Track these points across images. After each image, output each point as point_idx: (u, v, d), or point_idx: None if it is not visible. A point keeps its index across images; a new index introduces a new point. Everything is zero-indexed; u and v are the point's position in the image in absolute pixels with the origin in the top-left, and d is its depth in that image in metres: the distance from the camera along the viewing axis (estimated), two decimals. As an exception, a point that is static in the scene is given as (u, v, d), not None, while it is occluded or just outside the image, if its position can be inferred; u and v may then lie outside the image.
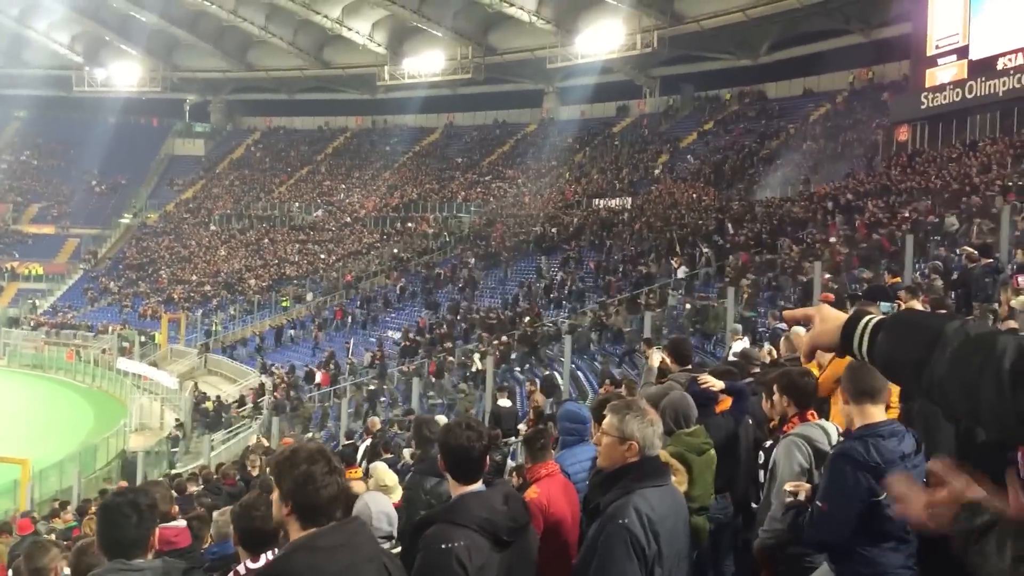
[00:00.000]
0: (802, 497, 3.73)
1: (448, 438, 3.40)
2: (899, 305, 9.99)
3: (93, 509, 12.93)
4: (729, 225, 29.19)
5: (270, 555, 3.42)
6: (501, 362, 23.78)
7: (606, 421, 3.35)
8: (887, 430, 3.53)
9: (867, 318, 1.69)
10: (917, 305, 8.39)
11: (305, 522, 2.63)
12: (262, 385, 32.67)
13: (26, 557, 5.22)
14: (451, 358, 27.04)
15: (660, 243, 30.66)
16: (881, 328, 1.65)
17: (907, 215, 21.88)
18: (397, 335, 33.43)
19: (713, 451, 4.35)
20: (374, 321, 37.61)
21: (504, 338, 26.56)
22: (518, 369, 23.63)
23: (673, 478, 3.81)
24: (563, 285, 31.59)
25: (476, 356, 24.90)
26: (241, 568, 3.38)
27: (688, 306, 21.59)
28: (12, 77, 60.84)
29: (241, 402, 32.09)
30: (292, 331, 39.64)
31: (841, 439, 3.81)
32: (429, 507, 5.01)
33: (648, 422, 3.33)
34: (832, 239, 22.58)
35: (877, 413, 3.59)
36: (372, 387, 27.33)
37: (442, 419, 9.83)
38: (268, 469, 2.83)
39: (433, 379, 25.85)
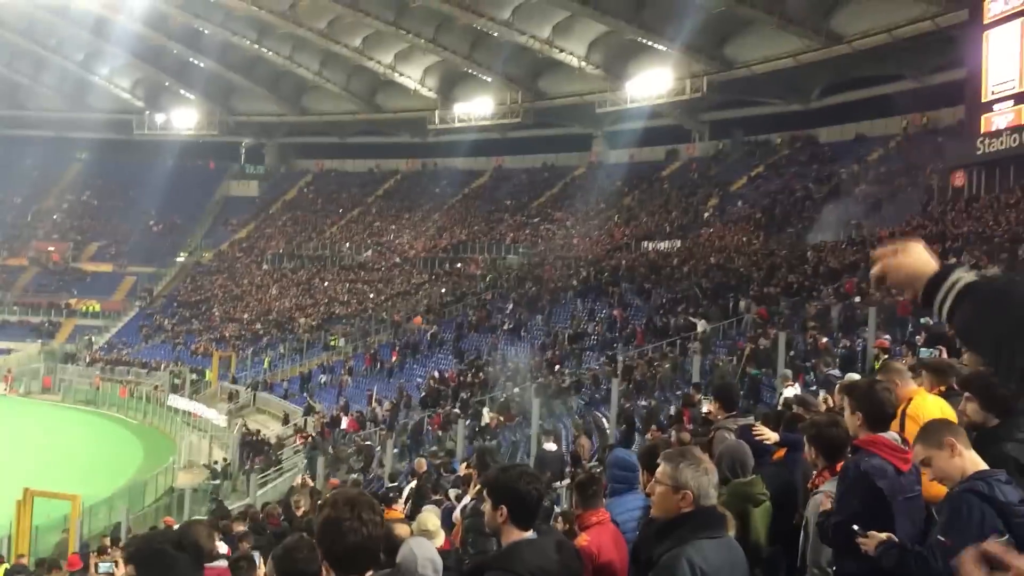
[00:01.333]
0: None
1: (508, 482, 3.35)
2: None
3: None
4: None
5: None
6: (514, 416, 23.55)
7: (660, 469, 3.27)
8: (1004, 476, 3.43)
9: (956, 277, 1.63)
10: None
11: (338, 570, 2.60)
12: (305, 424, 32.78)
13: None
14: (456, 411, 26.82)
15: (697, 291, 30.32)
16: (967, 295, 1.58)
17: (961, 262, 21.44)
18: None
19: (769, 503, 4.22)
20: (401, 368, 37.19)
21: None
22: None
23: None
24: (591, 334, 31.15)
25: (485, 410, 24.54)
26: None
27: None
28: (75, 121, 62.82)
29: (280, 444, 32.02)
30: (323, 376, 39.21)
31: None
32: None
33: (703, 470, 3.25)
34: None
35: (981, 462, 3.50)
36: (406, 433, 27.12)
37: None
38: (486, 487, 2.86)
39: (440, 432, 25.78)
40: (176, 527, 9.07)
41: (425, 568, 5.02)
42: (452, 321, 39.92)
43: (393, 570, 2.71)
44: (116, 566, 5.54)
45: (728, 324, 26.14)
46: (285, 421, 35.70)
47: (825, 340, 18.73)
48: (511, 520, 3.27)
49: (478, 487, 5.42)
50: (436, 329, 39.40)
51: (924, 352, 9.91)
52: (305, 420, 32.84)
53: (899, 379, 4.65)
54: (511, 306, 38.30)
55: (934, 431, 3.58)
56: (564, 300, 36.66)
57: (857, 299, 21.77)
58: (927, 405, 4.39)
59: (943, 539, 3.37)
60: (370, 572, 2.60)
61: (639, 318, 31.36)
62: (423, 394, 31.44)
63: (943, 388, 4.87)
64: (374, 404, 32.71)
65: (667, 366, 22.03)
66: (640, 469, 4.97)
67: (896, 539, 3.56)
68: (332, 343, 43.29)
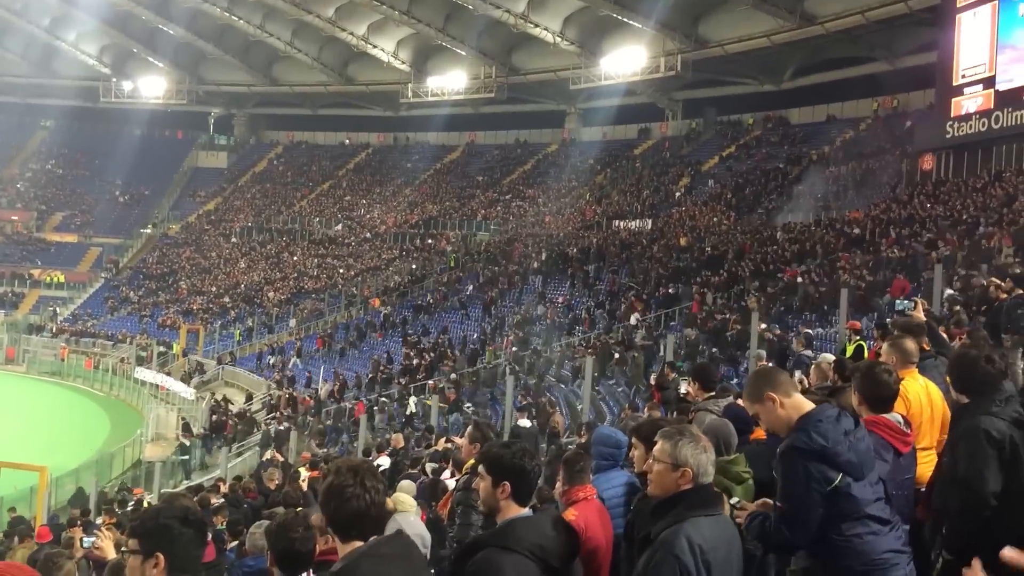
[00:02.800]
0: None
1: (515, 460, 3.35)
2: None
3: (111, 520, 12.96)
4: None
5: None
6: (456, 399, 23.73)
7: (658, 447, 3.28)
8: (824, 414, 3.49)
9: None
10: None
11: (342, 536, 2.70)
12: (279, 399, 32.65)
13: (42, 572, 5.19)
14: (383, 399, 26.91)
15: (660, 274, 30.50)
16: None
17: (930, 243, 21.73)
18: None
19: (751, 481, 4.27)
20: (350, 349, 37.15)
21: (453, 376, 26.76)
22: (469, 406, 23.12)
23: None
24: (542, 319, 31.30)
25: (412, 400, 24.55)
26: (278, 590, 3.35)
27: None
28: (41, 87, 61.61)
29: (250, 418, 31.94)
30: (271, 357, 38.95)
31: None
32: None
33: (702, 448, 3.27)
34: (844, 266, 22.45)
35: (804, 402, 3.57)
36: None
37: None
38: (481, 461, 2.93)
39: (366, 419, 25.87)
40: (161, 500, 9.03)
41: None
42: (411, 304, 39.76)
43: (395, 534, 2.77)
44: (100, 540, 5.50)
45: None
46: (248, 398, 35.56)
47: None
48: (512, 497, 3.29)
49: (472, 462, 5.42)
50: (390, 311, 39.25)
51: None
52: (278, 395, 32.66)
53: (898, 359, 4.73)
54: (470, 288, 38.22)
55: (755, 385, 3.66)
56: (525, 282, 36.56)
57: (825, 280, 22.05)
58: (914, 387, 4.47)
59: (780, 504, 3.43)
60: (373, 537, 2.67)
61: (582, 304, 31.62)
62: (369, 377, 31.41)
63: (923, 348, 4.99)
64: (318, 386, 32.85)
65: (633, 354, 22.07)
66: (625, 446, 5.01)
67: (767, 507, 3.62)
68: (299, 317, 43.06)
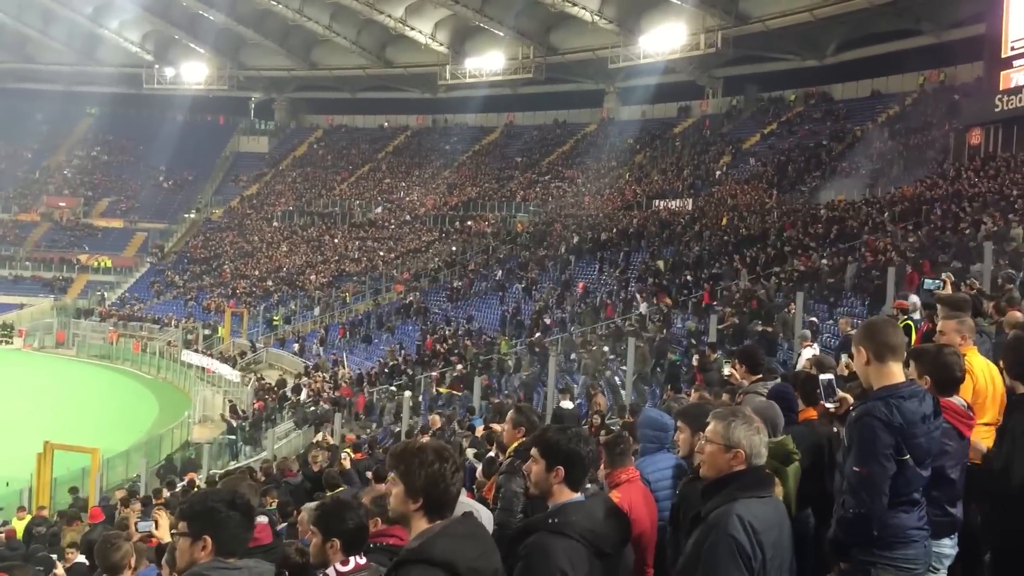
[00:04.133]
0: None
1: (573, 446, 3.36)
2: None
3: (160, 500, 13.22)
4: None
5: (358, 559, 3.42)
6: (463, 387, 23.91)
7: (710, 428, 3.26)
8: (908, 391, 3.50)
9: None
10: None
11: (432, 516, 2.81)
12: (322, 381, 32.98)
13: (99, 554, 5.29)
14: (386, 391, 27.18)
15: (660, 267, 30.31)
16: None
17: (979, 220, 21.28)
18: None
19: (798, 463, 4.24)
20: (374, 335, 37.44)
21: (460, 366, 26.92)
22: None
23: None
24: (556, 306, 31.22)
25: (407, 394, 24.66)
26: (331, 571, 3.38)
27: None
28: (85, 74, 62.52)
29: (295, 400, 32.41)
30: (296, 345, 39.55)
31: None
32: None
33: (755, 429, 3.25)
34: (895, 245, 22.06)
35: (898, 372, 3.55)
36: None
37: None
38: (390, 463, 2.94)
39: (362, 416, 26.02)
40: (220, 484, 9.17)
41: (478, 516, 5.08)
42: (445, 286, 39.85)
43: (466, 515, 2.87)
44: (155, 526, 5.59)
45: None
46: (282, 383, 35.91)
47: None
48: (565, 481, 3.30)
49: (517, 444, 5.45)
50: (416, 296, 39.41)
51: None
52: (324, 376, 33.02)
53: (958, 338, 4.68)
54: (499, 273, 38.22)
55: (863, 331, 3.74)
56: (554, 267, 36.46)
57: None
58: (979, 363, 4.41)
59: (857, 468, 3.45)
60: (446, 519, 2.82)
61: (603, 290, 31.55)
62: (382, 367, 31.64)
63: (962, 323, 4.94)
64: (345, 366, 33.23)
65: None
66: (672, 428, 5.00)
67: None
68: (343, 299, 43.42)
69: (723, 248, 29.83)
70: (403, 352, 32.71)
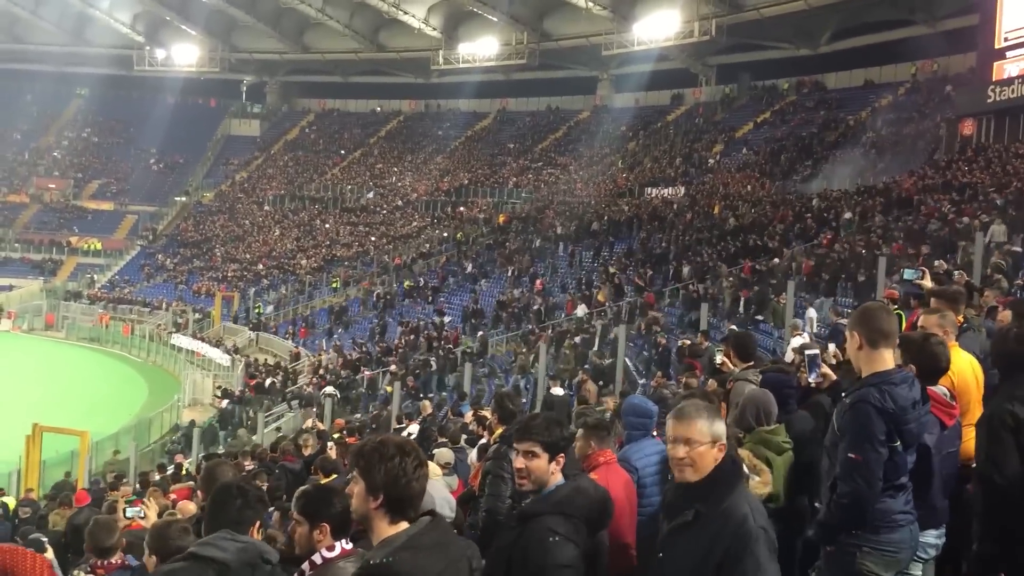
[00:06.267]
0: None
1: (552, 430, 3.37)
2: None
3: (152, 482, 13.20)
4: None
5: (344, 544, 3.41)
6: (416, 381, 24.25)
7: (696, 429, 3.06)
8: (899, 376, 3.55)
9: None
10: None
11: (394, 515, 2.66)
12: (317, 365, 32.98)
13: (90, 535, 5.28)
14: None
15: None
16: None
17: (972, 211, 21.34)
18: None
19: (791, 452, 4.26)
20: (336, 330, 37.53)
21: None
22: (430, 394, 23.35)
23: (757, 479, 3.74)
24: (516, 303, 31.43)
25: (397, 384, 24.91)
26: (317, 557, 3.37)
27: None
28: (75, 55, 61.98)
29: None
30: (289, 328, 39.71)
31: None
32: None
33: (720, 415, 3.23)
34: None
35: (889, 358, 3.59)
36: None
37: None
38: (352, 461, 2.84)
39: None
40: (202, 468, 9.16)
41: (443, 509, 5.08)
42: (432, 273, 39.90)
43: (435, 521, 2.74)
44: (144, 513, 5.59)
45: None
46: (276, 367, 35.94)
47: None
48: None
49: (499, 432, 5.46)
50: (380, 290, 39.52)
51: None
52: (316, 361, 33.03)
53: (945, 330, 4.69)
54: (469, 267, 38.29)
55: (857, 316, 3.74)
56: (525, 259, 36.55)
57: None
58: (958, 361, 4.42)
59: (853, 455, 3.45)
60: (412, 526, 2.69)
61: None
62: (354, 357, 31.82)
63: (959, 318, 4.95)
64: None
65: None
66: (655, 414, 5.01)
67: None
68: (333, 285, 43.32)
69: (710, 239, 30.01)
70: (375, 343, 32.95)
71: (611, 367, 16.56)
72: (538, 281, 32.95)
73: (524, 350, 24.74)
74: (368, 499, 2.68)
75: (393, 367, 27.95)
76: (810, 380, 4.80)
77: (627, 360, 18.21)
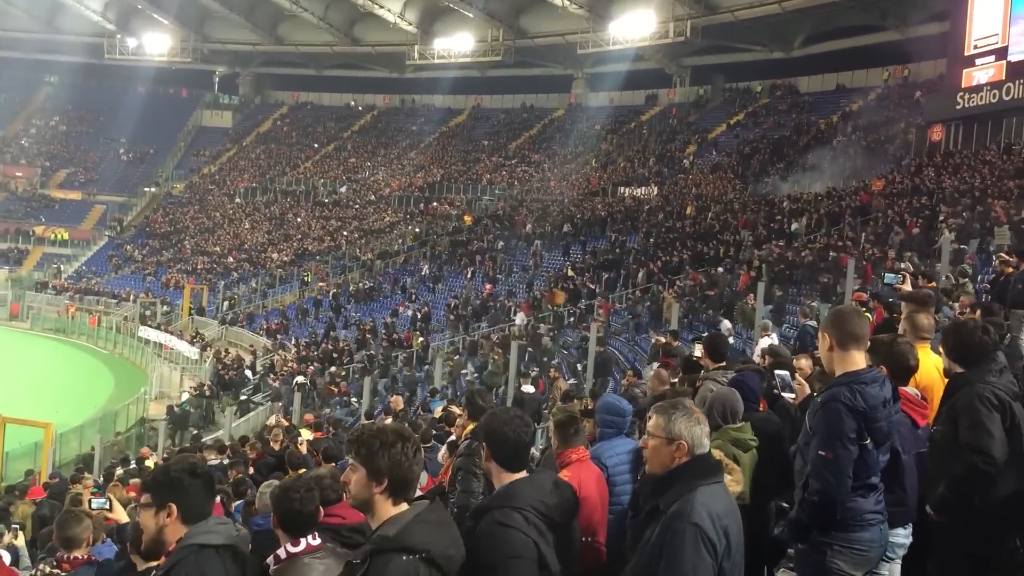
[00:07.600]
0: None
1: (496, 427, 3.37)
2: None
3: (116, 475, 13.06)
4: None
5: (310, 539, 3.40)
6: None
7: (652, 423, 3.26)
8: (869, 376, 3.62)
9: None
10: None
11: (396, 498, 2.81)
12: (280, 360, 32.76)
13: (59, 525, 5.26)
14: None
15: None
16: None
17: (942, 217, 21.64)
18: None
19: (755, 450, 4.30)
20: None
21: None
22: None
23: (729, 477, 3.77)
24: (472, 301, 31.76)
25: (367, 379, 25.07)
26: (281, 552, 3.36)
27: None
28: (46, 43, 61.06)
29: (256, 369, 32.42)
30: (262, 322, 39.73)
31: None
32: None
33: (695, 420, 3.27)
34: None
35: (859, 359, 3.66)
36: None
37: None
38: (353, 447, 2.93)
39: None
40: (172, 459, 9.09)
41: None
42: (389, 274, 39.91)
43: (436, 502, 2.88)
44: (110, 504, 5.54)
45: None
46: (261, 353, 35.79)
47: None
48: (501, 464, 3.34)
49: (469, 428, 5.47)
50: (336, 291, 39.61)
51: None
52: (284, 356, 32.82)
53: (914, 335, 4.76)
54: (425, 268, 38.44)
55: (830, 319, 3.85)
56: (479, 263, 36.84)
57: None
58: (927, 363, 4.48)
59: (823, 453, 3.51)
60: (415, 504, 2.86)
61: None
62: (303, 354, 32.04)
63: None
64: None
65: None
66: (629, 413, 5.03)
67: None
68: (306, 279, 43.07)
69: (674, 240, 30.27)
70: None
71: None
72: (488, 285, 33.09)
73: (457, 357, 25.09)
74: (371, 484, 2.80)
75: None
76: (787, 396, 4.88)
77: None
